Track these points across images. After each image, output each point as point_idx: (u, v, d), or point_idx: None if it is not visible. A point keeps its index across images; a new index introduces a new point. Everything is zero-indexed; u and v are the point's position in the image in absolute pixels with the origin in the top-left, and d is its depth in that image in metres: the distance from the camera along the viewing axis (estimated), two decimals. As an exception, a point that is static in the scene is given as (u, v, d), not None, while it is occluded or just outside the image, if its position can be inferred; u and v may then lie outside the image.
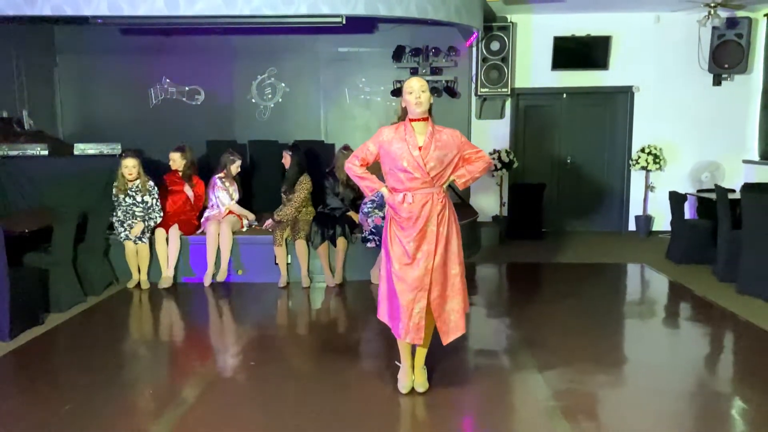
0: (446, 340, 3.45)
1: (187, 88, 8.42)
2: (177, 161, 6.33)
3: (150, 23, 6.58)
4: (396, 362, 3.69)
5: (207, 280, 6.03)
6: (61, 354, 4.35)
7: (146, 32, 7.85)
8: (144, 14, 5.97)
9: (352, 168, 3.52)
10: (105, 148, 6.50)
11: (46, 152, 6.30)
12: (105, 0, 5.91)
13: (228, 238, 6.09)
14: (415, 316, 3.36)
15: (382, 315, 3.56)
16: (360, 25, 7.66)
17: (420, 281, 3.35)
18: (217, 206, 6.32)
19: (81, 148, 6.47)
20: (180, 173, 6.32)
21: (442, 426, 3.26)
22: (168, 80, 8.39)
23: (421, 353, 3.56)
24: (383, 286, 3.54)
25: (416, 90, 3.33)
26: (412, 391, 3.55)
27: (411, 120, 3.38)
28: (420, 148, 3.32)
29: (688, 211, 7.93)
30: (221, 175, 6.35)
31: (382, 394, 3.57)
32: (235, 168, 6.46)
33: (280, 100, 8.46)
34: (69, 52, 8.21)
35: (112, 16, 5.99)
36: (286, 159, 6.32)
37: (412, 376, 3.57)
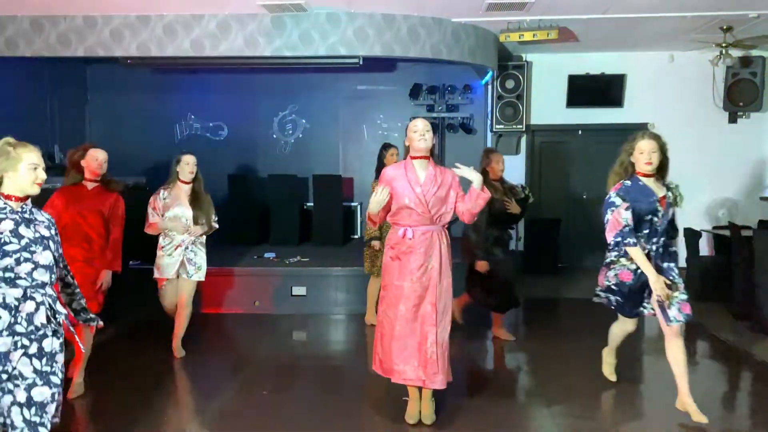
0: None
1: (211, 124, 8.72)
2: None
3: (177, 63, 6.88)
4: (404, 398, 3.75)
5: (178, 352, 4.92)
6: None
7: (173, 71, 8.18)
8: (171, 55, 6.27)
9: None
10: (130, 180, 6.74)
11: (74, 185, 6.55)
12: (135, 42, 6.23)
13: (185, 311, 4.85)
14: (428, 350, 3.44)
15: (384, 367, 3.56)
16: (378, 65, 7.89)
17: (430, 317, 3.45)
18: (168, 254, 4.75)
19: (108, 182, 6.72)
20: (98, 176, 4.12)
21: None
22: (193, 116, 8.71)
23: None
24: (384, 334, 3.54)
25: (420, 129, 3.51)
26: (420, 422, 3.60)
27: (413, 157, 3.55)
28: (421, 186, 3.47)
29: (706, 248, 7.90)
30: (164, 188, 4.81)
31: (390, 424, 3.63)
32: (183, 170, 4.77)
33: (301, 135, 8.71)
34: (100, 90, 8.58)
35: (141, 56, 6.31)
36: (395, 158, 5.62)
37: (418, 406, 3.63)
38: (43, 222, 2.65)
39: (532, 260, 8.32)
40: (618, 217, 3.62)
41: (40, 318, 2.50)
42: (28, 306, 2.48)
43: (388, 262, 3.56)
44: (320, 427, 3.61)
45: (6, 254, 2.45)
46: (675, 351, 3.67)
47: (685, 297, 3.65)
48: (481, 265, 4.88)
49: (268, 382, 4.41)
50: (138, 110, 8.58)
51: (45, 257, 2.54)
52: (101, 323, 2.95)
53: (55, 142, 7.73)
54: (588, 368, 4.67)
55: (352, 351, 5.36)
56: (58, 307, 2.59)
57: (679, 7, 6.08)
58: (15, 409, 2.39)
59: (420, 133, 3.49)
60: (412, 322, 3.45)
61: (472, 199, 3.50)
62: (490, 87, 8.29)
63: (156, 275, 4.82)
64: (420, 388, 3.62)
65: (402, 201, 3.47)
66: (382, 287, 3.62)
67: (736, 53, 7.39)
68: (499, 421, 3.73)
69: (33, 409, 2.42)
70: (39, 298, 2.51)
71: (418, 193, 3.45)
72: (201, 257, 4.83)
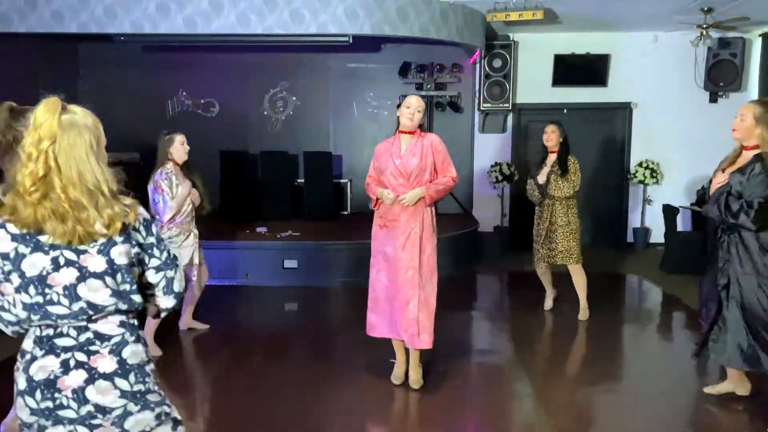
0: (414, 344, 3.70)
1: (202, 101, 8.82)
2: None
3: (170, 41, 6.96)
4: (391, 360, 3.99)
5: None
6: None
7: (166, 48, 8.25)
8: (164, 32, 6.37)
9: (371, 185, 3.84)
10: (124, 157, 6.87)
11: (69, 160, 6.68)
12: (128, 19, 6.31)
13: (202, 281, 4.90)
14: (410, 312, 3.65)
15: (374, 325, 3.84)
16: (368, 43, 8.01)
17: (412, 281, 3.65)
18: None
19: (102, 157, 6.85)
20: None
21: (428, 414, 3.57)
22: (185, 93, 8.80)
23: (416, 352, 3.83)
24: (377, 297, 3.81)
25: (413, 107, 3.68)
26: (404, 383, 3.84)
27: (401, 132, 3.74)
28: (401, 158, 3.68)
29: (685, 224, 8.16)
30: (167, 168, 4.40)
31: (377, 385, 3.87)
32: (179, 150, 4.47)
33: (291, 112, 8.83)
34: (92, 67, 8.63)
35: (134, 33, 6.40)
36: (552, 136, 5.19)
37: (404, 368, 3.88)
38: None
39: (517, 236, 8.54)
40: None
41: None
42: None
43: (376, 230, 3.79)
44: (310, 389, 3.84)
45: None
46: None
47: None
48: None
49: (260, 348, 4.63)
50: (130, 87, 8.65)
51: None
52: None
53: (49, 118, 7.82)
54: (568, 338, 4.93)
55: (341, 320, 5.59)
56: None
57: (661, -12, 6.25)
58: None
59: (410, 111, 3.66)
60: (397, 285, 3.66)
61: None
62: (477, 66, 8.44)
63: None
64: (407, 354, 3.86)
65: (386, 172, 3.70)
66: (372, 255, 3.83)
67: (716, 34, 7.59)
68: (478, 386, 3.98)
69: None
70: None
71: (398, 165, 3.67)
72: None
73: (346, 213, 8.62)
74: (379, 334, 3.83)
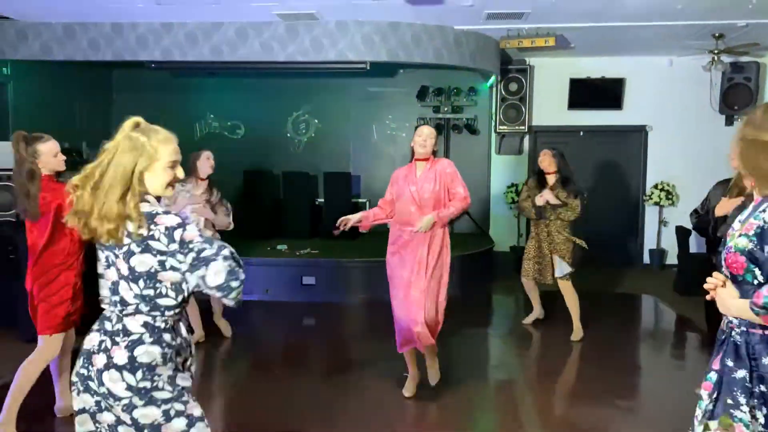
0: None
1: (229, 123, 9.20)
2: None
3: (198, 67, 7.33)
4: (404, 374, 4.18)
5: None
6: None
7: (194, 74, 8.65)
8: (192, 59, 6.74)
9: (374, 209, 4.18)
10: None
11: (102, 180, 7.04)
12: (159, 47, 6.70)
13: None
14: (419, 325, 3.86)
15: (403, 345, 4.01)
16: (386, 68, 8.29)
17: (419, 301, 3.87)
18: None
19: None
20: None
21: (437, 426, 3.74)
22: (212, 116, 9.19)
23: (431, 352, 4.05)
24: (397, 317, 4.00)
25: (425, 135, 3.96)
26: (415, 395, 4.03)
27: (416, 159, 3.99)
28: (416, 184, 3.91)
29: (699, 246, 8.20)
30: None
31: (389, 397, 4.07)
32: (204, 164, 4.89)
33: (313, 134, 9.16)
34: (125, 91, 9.08)
35: (164, 61, 6.78)
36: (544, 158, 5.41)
37: (416, 380, 4.08)
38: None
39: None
40: None
41: None
42: None
43: (389, 258, 4.03)
44: (324, 400, 4.04)
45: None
46: None
47: None
48: None
49: (278, 360, 4.85)
50: (160, 110, 8.94)
51: None
52: None
53: (83, 140, 8.24)
54: (579, 355, 5.06)
55: (357, 335, 5.79)
56: None
57: (670, 15, 6.39)
58: None
59: (423, 140, 3.93)
60: (407, 304, 3.87)
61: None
62: (494, 89, 8.66)
63: None
64: (419, 358, 4.11)
65: (402, 198, 3.95)
66: (389, 281, 4.04)
67: (729, 59, 7.70)
68: (491, 403, 4.14)
69: None
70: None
71: (413, 192, 3.90)
72: None
73: (364, 232, 8.82)
74: (409, 347, 3.98)
